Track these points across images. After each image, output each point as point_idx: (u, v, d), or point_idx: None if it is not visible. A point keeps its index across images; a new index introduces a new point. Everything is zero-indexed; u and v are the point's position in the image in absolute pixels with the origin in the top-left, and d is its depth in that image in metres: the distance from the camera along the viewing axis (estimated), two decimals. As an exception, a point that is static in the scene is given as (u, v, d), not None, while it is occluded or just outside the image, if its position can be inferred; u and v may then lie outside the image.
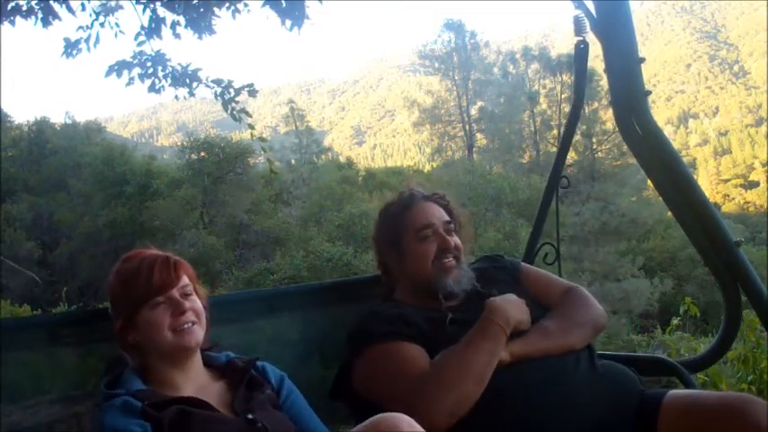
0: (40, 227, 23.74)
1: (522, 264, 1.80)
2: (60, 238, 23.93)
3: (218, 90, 4.78)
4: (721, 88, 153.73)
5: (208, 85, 4.80)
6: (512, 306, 1.45)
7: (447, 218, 1.66)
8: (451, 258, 1.61)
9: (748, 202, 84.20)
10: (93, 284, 21.24)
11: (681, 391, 1.49)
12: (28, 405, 1.43)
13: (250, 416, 1.27)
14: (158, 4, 4.61)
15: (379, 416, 1.12)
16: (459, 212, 1.73)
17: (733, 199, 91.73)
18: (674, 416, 1.39)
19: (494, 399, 1.33)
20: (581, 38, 1.88)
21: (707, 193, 1.95)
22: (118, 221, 22.64)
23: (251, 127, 4.90)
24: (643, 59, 1.71)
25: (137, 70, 4.65)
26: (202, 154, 22.02)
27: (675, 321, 4.92)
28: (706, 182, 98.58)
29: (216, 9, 4.64)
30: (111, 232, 22.76)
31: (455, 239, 1.63)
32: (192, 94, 4.86)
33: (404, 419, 1.10)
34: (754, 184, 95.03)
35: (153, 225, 21.53)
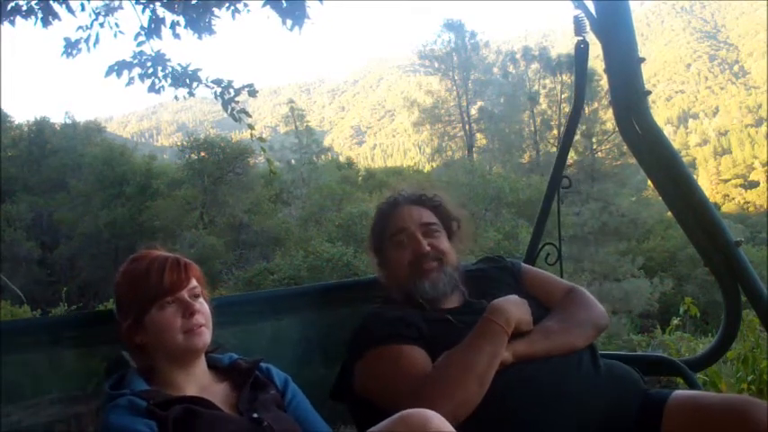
0: (40, 227, 23.74)
1: (523, 264, 1.79)
2: (60, 238, 23.93)
3: (218, 90, 4.79)
4: (721, 88, 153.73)
5: (207, 86, 4.80)
6: (513, 306, 1.43)
7: (428, 220, 1.63)
8: (431, 261, 1.58)
9: (748, 202, 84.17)
10: (93, 284, 21.24)
11: (685, 392, 1.48)
12: (28, 405, 1.43)
13: (255, 415, 1.27)
14: (158, 4, 4.61)
15: (405, 411, 1.07)
16: (454, 212, 1.70)
17: (733, 199, 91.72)
18: (677, 417, 1.38)
19: (496, 400, 1.32)
20: (581, 38, 1.87)
21: (707, 193, 1.94)
22: (118, 221, 22.65)
23: (250, 127, 4.91)
24: (643, 59, 1.71)
25: (136, 70, 4.65)
26: (202, 154, 22.01)
27: (675, 321, 4.92)
28: (706, 182, 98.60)
29: (215, 9, 4.65)
30: (111, 232, 22.76)
31: (434, 242, 1.60)
32: (191, 94, 4.87)
33: (433, 416, 1.06)
34: (754, 184, 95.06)
35: (153, 225, 21.53)
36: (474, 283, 1.67)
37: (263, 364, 1.44)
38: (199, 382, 1.34)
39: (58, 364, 1.52)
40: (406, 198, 1.67)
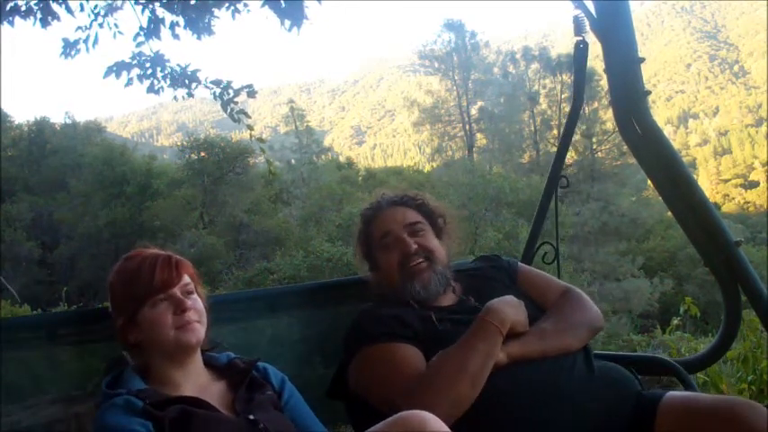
0: (40, 227, 23.73)
1: (520, 264, 1.78)
2: (60, 238, 23.92)
3: (218, 91, 4.78)
4: (721, 88, 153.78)
5: (207, 86, 4.79)
6: (509, 307, 1.43)
7: (412, 219, 1.63)
8: (421, 260, 1.58)
9: (748, 202, 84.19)
10: (93, 284, 21.24)
11: (678, 393, 1.49)
12: (28, 405, 1.43)
13: (251, 416, 1.27)
14: (157, 4, 4.60)
15: (403, 413, 1.08)
16: (440, 210, 1.70)
17: (733, 199, 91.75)
18: (671, 418, 1.38)
19: (490, 400, 1.32)
20: (580, 38, 1.88)
21: (707, 193, 1.94)
22: (118, 221, 22.65)
23: (249, 128, 4.90)
24: (643, 59, 1.71)
25: (135, 71, 4.64)
26: (202, 154, 22.03)
27: (675, 321, 4.91)
28: (706, 182, 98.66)
29: (215, 9, 4.64)
30: (111, 232, 22.77)
31: (420, 240, 1.60)
32: (190, 94, 4.86)
33: (430, 417, 1.07)
34: (754, 184, 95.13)
35: (153, 225, 21.54)
36: (470, 281, 1.67)
37: (260, 364, 1.44)
38: (195, 380, 1.34)
39: (58, 363, 1.52)
40: (388, 201, 1.68)
